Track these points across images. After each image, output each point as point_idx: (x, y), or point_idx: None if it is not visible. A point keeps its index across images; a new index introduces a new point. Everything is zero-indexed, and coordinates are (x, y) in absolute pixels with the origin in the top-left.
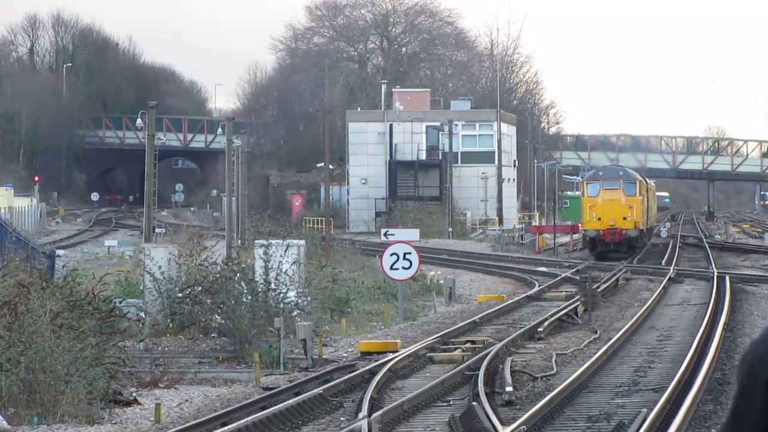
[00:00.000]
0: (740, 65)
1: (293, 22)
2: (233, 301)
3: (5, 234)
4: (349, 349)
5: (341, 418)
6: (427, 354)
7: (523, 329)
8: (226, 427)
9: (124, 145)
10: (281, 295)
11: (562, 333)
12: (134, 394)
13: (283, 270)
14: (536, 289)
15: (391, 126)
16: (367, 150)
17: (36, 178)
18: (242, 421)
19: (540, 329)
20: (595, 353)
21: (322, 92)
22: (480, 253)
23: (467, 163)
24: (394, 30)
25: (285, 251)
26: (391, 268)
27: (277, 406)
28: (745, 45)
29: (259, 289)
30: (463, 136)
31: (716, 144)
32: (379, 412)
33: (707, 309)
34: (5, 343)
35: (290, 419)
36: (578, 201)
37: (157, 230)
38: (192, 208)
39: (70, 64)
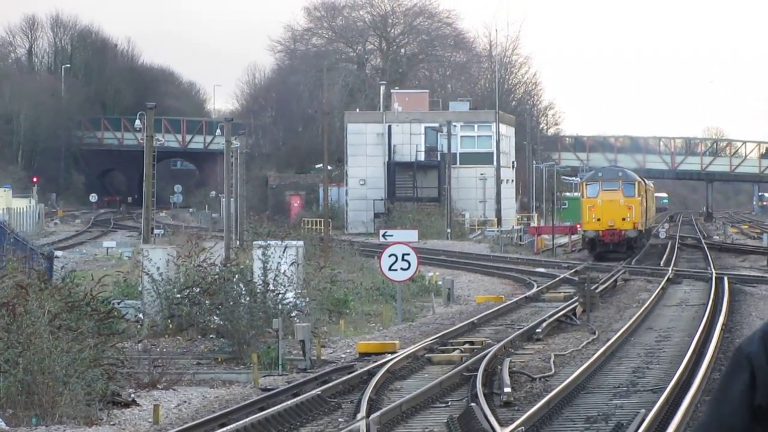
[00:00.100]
0: (739, 66)
1: (292, 23)
2: (232, 302)
3: (4, 235)
4: (348, 350)
5: (340, 419)
6: (426, 355)
7: (521, 330)
8: (224, 428)
9: (123, 146)
10: (280, 296)
11: (561, 334)
12: (133, 395)
13: (282, 271)
14: (535, 290)
15: (389, 127)
16: (366, 151)
17: (34, 179)
18: (240, 422)
19: (538, 330)
20: (594, 354)
21: (321, 93)
22: (478, 254)
23: (466, 164)
24: (392, 31)
25: (283, 252)
26: (390, 269)
27: (275, 407)
28: (743, 46)
29: (258, 291)
30: (461, 137)
31: (715, 145)
32: (378, 413)
33: (705, 310)
34: (3, 344)
35: (289, 420)
36: (577, 202)
37: (156, 231)
38: (190, 209)
39: (68, 65)
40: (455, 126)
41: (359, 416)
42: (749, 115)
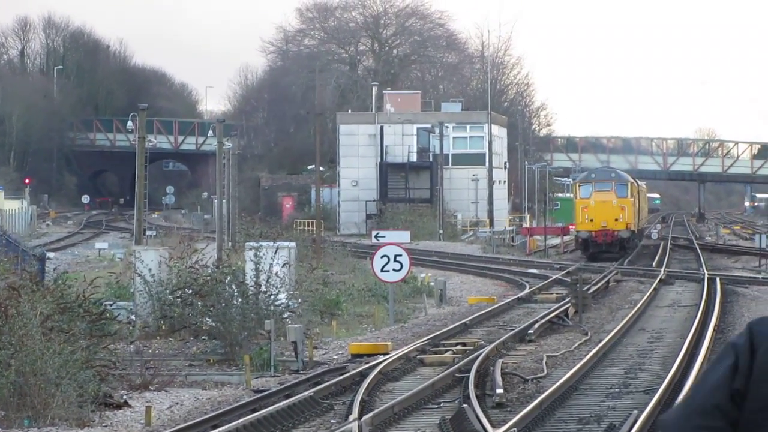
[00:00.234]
0: (731, 67)
1: (284, 24)
2: (224, 304)
3: None
4: (340, 352)
5: (332, 421)
6: (418, 356)
7: (513, 331)
8: (216, 430)
9: (115, 148)
10: (272, 297)
11: (553, 335)
12: (125, 397)
13: (274, 272)
14: (527, 291)
15: (381, 128)
16: (358, 152)
17: (26, 181)
18: (233, 423)
19: (531, 331)
20: (586, 355)
21: (313, 94)
22: (471, 255)
23: (458, 165)
24: (385, 32)
25: (275, 253)
26: (382, 270)
27: (267, 409)
28: (736, 47)
29: (250, 292)
30: (453, 138)
31: (707, 146)
32: (370, 415)
33: (698, 310)
34: None
35: (281, 422)
36: (569, 203)
37: (148, 233)
38: (183, 211)
39: (61, 67)
40: (447, 127)
41: (351, 417)
42: (743, 116)
